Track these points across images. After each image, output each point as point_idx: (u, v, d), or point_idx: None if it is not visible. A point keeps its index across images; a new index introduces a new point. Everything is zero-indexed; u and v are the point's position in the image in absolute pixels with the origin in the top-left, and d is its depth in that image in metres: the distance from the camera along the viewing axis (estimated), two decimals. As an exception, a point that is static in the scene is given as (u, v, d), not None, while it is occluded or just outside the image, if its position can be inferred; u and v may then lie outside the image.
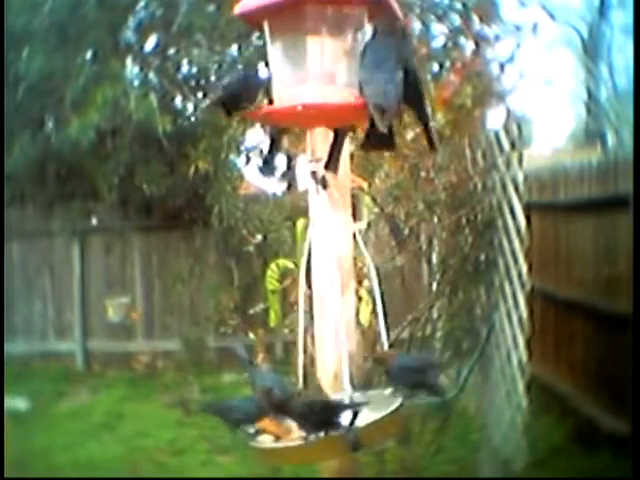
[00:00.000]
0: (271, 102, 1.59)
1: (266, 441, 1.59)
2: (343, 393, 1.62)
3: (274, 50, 1.59)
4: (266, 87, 1.58)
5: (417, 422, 3.48)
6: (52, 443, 4.79)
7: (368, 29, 1.59)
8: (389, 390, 1.68)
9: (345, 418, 1.47)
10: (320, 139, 1.73)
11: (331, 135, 1.72)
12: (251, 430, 1.63)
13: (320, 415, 1.48)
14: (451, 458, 3.77)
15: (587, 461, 3.75)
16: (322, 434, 1.47)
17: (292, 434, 1.57)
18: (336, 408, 1.49)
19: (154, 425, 5.16)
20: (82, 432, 5.07)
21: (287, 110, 1.55)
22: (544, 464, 3.66)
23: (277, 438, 1.58)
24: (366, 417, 1.50)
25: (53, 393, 6.10)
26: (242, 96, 1.57)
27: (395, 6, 1.61)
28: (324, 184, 1.70)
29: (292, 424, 1.58)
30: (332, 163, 1.68)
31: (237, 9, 1.57)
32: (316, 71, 1.53)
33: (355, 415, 1.46)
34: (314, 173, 1.70)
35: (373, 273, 1.77)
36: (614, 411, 3.87)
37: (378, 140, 1.55)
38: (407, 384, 1.64)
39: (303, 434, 1.51)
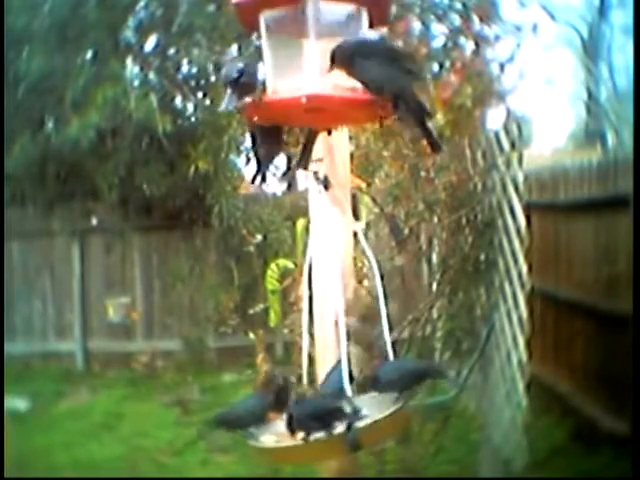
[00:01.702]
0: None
1: (268, 441, 1.59)
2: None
3: (269, 45, 1.57)
4: (262, 82, 1.55)
5: (417, 422, 3.48)
6: (52, 443, 4.79)
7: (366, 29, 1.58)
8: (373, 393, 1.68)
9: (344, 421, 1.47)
10: (319, 140, 1.73)
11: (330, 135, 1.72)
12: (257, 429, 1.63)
13: (321, 419, 1.48)
14: (451, 458, 3.77)
15: (587, 461, 3.74)
16: (322, 435, 1.48)
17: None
18: (337, 413, 1.49)
19: (154, 425, 5.16)
20: (82, 432, 5.07)
21: (290, 101, 1.51)
22: (544, 464, 3.66)
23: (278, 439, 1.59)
24: (367, 417, 1.50)
25: (53, 393, 6.09)
26: (248, 84, 1.55)
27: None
28: (326, 184, 1.70)
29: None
30: (303, 161, 1.68)
31: None
32: (311, 67, 1.52)
33: (355, 417, 1.47)
34: (316, 173, 1.70)
35: (376, 272, 1.77)
36: (614, 411, 3.87)
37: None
38: (397, 389, 1.64)
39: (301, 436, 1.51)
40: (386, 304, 1.79)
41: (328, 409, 1.52)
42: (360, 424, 1.47)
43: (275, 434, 1.64)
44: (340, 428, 1.47)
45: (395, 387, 1.64)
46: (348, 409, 1.49)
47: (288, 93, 1.52)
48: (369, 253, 1.78)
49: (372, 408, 1.54)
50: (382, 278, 1.76)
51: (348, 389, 1.60)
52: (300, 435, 1.51)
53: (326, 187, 1.71)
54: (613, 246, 4.08)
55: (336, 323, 1.69)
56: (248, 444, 1.63)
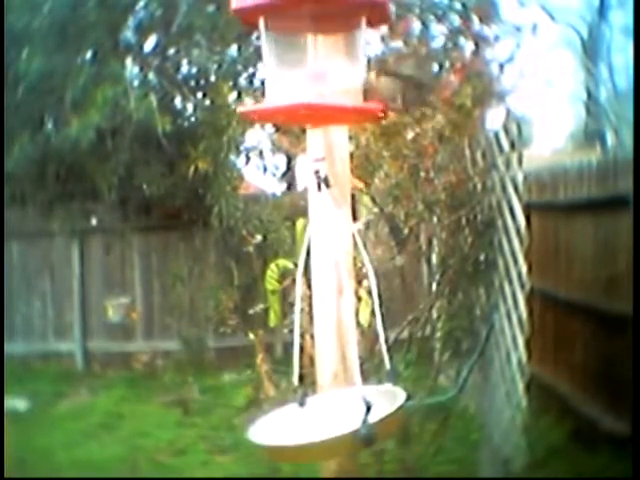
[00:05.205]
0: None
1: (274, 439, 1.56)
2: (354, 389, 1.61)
3: (268, 48, 1.58)
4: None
5: (417, 422, 3.48)
6: (52, 443, 4.78)
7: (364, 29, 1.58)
8: (386, 385, 1.67)
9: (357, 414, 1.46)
10: (319, 138, 1.73)
11: (330, 134, 1.72)
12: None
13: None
14: (451, 458, 3.77)
15: (587, 461, 3.74)
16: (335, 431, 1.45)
17: None
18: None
19: (154, 425, 5.16)
20: (82, 432, 5.07)
21: (287, 109, 1.54)
22: (544, 464, 3.66)
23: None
24: (375, 412, 1.48)
25: (53, 393, 6.09)
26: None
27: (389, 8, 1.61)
28: (327, 183, 1.70)
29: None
30: None
31: (234, 4, 1.57)
32: (310, 70, 1.52)
33: (368, 410, 1.44)
34: (317, 172, 1.70)
35: (372, 274, 1.76)
36: (614, 411, 3.87)
37: None
38: None
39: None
40: (383, 305, 1.79)
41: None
42: (375, 418, 1.45)
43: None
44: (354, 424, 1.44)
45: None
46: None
47: (286, 98, 1.52)
48: (365, 256, 1.77)
49: (385, 400, 1.53)
50: (379, 281, 1.76)
51: (359, 382, 1.58)
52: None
53: (327, 185, 1.71)
54: (613, 246, 4.08)
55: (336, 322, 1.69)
56: (252, 442, 1.60)
